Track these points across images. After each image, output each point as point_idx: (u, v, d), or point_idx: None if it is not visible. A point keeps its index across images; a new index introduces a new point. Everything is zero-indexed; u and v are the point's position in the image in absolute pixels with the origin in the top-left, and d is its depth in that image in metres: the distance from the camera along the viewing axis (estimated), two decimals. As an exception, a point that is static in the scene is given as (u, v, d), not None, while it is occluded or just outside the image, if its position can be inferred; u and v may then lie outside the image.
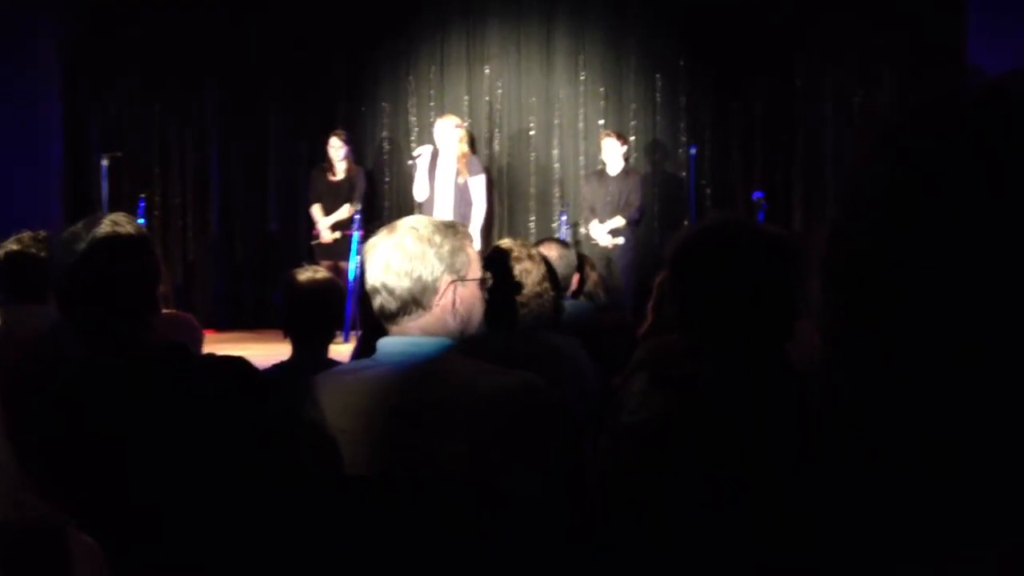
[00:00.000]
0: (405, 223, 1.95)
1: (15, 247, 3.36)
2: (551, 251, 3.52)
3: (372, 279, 1.91)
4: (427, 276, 1.89)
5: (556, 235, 8.26)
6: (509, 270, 2.82)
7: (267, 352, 5.30)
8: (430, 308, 1.90)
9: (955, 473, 0.57)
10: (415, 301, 1.89)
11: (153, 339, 1.88)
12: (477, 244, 8.15)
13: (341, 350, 5.38)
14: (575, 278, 3.76)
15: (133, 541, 1.53)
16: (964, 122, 0.58)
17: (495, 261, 2.85)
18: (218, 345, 6.01)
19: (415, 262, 1.88)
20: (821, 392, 0.68)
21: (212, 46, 9.15)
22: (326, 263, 7.73)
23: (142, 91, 9.32)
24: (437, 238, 1.91)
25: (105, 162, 8.25)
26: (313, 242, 8.40)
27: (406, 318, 1.90)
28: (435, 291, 1.90)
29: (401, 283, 1.88)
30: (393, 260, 1.88)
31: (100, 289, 1.80)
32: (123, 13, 9.05)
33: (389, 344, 1.91)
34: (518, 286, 2.81)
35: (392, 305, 1.89)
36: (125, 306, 1.83)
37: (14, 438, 0.87)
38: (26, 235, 3.40)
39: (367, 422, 1.81)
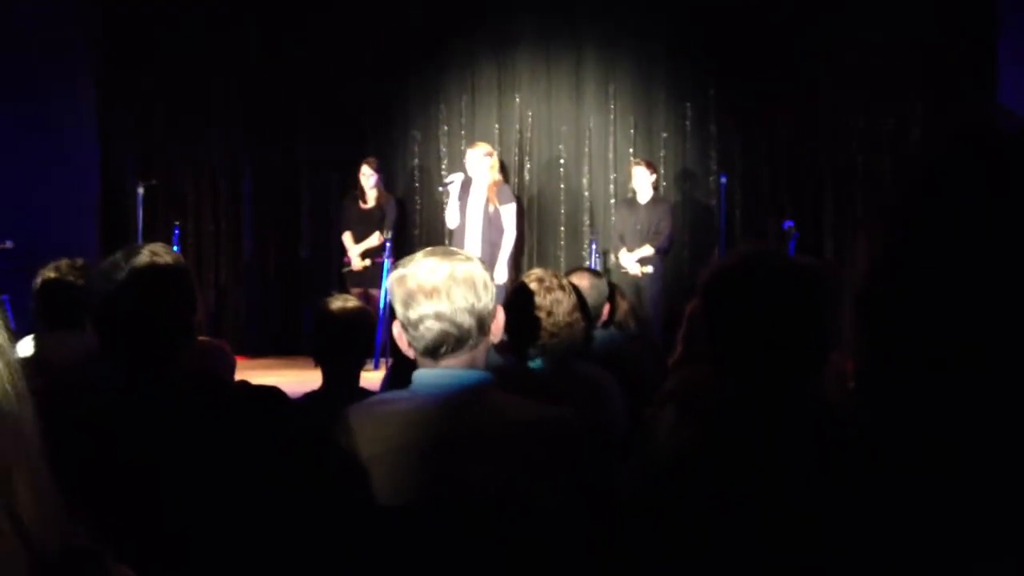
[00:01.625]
0: (452, 253, 1.94)
1: (52, 275, 3.39)
2: (583, 281, 3.52)
3: (428, 310, 1.87)
4: (490, 303, 1.90)
5: (586, 263, 8.28)
6: (540, 300, 2.83)
7: (298, 379, 5.32)
8: (486, 334, 1.91)
9: (983, 513, 0.57)
10: (480, 329, 1.89)
11: (188, 367, 1.90)
12: (506, 272, 8.18)
13: (371, 377, 5.40)
14: (606, 308, 3.75)
15: (167, 570, 1.54)
16: (996, 176, 0.58)
17: (526, 291, 2.87)
18: (249, 372, 6.04)
19: (480, 290, 1.89)
20: (853, 425, 0.68)
21: (245, 75, 9.28)
22: (356, 291, 7.78)
23: (175, 121, 9.44)
24: (483, 267, 1.93)
25: (141, 190, 8.37)
26: (344, 270, 8.45)
27: (463, 349, 1.89)
28: (493, 316, 1.92)
29: (465, 317, 1.87)
30: (458, 291, 1.87)
31: (138, 318, 1.82)
32: (157, 43, 9.19)
33: (426, 376, 1.91)
34: (549, 316, 2.82)
35: (455, 335, 1.87)
36: (162, 335, 1.85)
37: (52, 464, 0.88)
38: (64, 262, 3.43)
39: (401, 452, 1.81)
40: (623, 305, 4.38)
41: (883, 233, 0.64)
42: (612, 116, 9.09)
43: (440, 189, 8.35)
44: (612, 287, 4.14)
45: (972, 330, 0.57)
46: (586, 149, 9.13)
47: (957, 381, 0.57)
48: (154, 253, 1.85)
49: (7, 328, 0.83)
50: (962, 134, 0.63)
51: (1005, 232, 0.56)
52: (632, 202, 8.20)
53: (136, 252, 1.84)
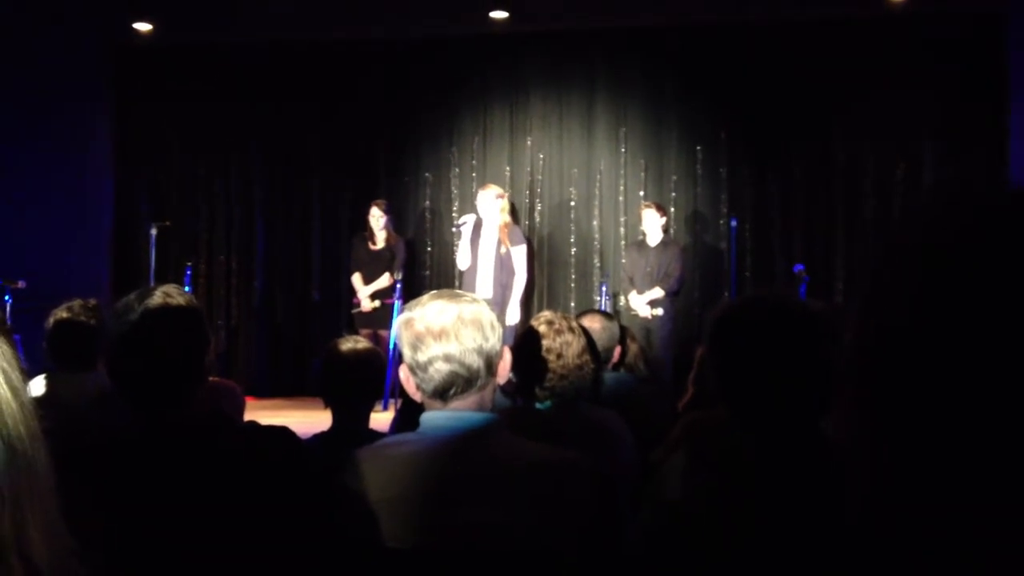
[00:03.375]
0: (458, 295, 1.96)
1: (65, 315, 3.41)
2: (594, 323, 3.53)
3: (437, 351, 1.87)
4: (497, 344, 1.91)
5: (596, 306, 8.29)
6: (550, 342, 2.84)
7: (307, 420, 5.31)
8: (494, 374, 1.91)
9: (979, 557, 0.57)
10: (488, 369, 1.89)
11: (198, 408, 1.90)
12: (517, 314, 8.16)
13: (379, 419, 5.40)
14: (617, 350, 3.75)
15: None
16: (985, 244, 0.58)
17: (535, 333, 2.87)
18: (259, 412, 6.04)
19: (487, 331, 1.89)
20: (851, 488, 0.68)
21: (257, 117, 9.36)
22: (366, 332, 7.79)
23: (189, 162, 9.54)
24: (489, 309, 1.94)
25: (153, 231, 8.43)
26: (353, 311, 8.47)
27: (472, 390, 1.89)
28: (500, 356, 1.93)
29: (474, 358, 1.87)
30: (466, 332, 1.88)
31: (150, 359, 1.83)
32: (172, 86, 9.31)
33: (435, 418, 1.91)
34: (559, 358, 2.81)
35: (464, 376, 1.87)
36: (174, 376, 1.85)
37: (62, 505, 0.89)
38: (76, 303, 3.45)
39: (411, 495, 1.81)
40: (633, 347, 4.38)
41: (870, 302, 0.64)
42: (623, 159, 9.13)
43: (453, 230, 8.39)
44: (623, 330, 4.14)
45: (957, 393, 0.57)
46: (597, 191, 9.16)
47: (943, 443, 0.57)
48: (167, 295, 1.86)
49: (20, 368, 0.84)
50: (954, 198, 0.63)
51: (992, 299, 0.56)
52: (642, 244, 8.21)
53: (150, 293, 1.86)
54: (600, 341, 3.41)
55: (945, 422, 0.57)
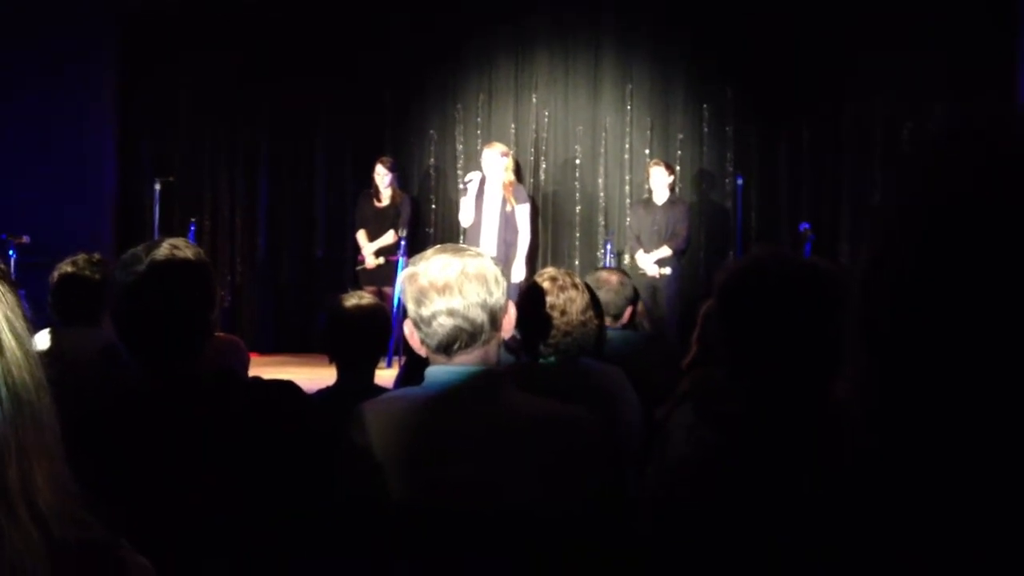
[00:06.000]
0: (462, 250, 1.94)
1: (69, 269, 3.40)
2: (612, 276, 3.58)
3: (441, 306, 1.86)
4: (501, 299, 1.90)
5: (601, 264, 8.29)
6: (553, 299, 2.83)
7: (312, 376, 5.33)
8: (499, 329, 1.90)
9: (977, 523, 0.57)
10: (492, 324, 1.88)
11: (204, 362, 1.90)
12: (522, 271, 8.15)
13: (384, 375, 5.41)
14: (629, 310, 3.74)
15: (181, 563, 1.55)
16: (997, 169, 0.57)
17: (539, 290, 2.87)
18: (263, 369, 6.06)
19: (491, 285, 1.88)
20: (854, 428, 0.68)
21: (261, 74, 9.30)
22: (370, 288, 7.78)
23: (194, 117, 9.49)
24: (493, 263, 1.93)
25: (157, 187, 8.40)
26: (358, 267, 8.47)
27: (476, 344, 1.89)
28: (504, 311, 1.91)
29: (478, 312, 1.86)
30: (470, 287, 1.86)
31: (156, 311, 1.82)
32: (177, 40, 9.24)
33: (439, 373, 1.90)
34: (563, 315, 2.82)
35: (468, 330, 1.86)
36: (180, 329, 1.85)
37: (69, 458, 0.89)
38: (81, 257, 3.44)
39: (415, 448, 1.81)
40: (638, 306, 4.39)
41: (879, 241, 0.63)
42: (629, 116, 9.08)
43: (460, 187, 8.36)
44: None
45: (972, 337, 0.56)
46: (602, 149, 9.12)
47: (954, 393, 0.57)
48: (174, 247, 1.85)
49: (25, 317, 0.84)
50: (963, 127, 0.62)
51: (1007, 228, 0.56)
52: (648, 203, 8.19)
53: (157, 245, 1.85)
54: (616, 297, 3.47)
55: (951, 373, 0.57)
